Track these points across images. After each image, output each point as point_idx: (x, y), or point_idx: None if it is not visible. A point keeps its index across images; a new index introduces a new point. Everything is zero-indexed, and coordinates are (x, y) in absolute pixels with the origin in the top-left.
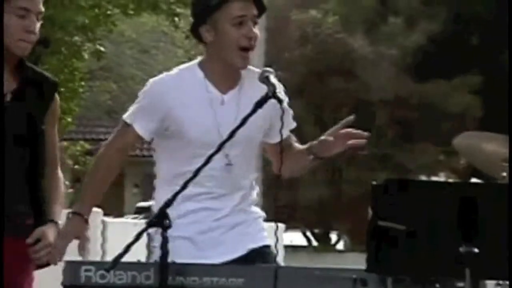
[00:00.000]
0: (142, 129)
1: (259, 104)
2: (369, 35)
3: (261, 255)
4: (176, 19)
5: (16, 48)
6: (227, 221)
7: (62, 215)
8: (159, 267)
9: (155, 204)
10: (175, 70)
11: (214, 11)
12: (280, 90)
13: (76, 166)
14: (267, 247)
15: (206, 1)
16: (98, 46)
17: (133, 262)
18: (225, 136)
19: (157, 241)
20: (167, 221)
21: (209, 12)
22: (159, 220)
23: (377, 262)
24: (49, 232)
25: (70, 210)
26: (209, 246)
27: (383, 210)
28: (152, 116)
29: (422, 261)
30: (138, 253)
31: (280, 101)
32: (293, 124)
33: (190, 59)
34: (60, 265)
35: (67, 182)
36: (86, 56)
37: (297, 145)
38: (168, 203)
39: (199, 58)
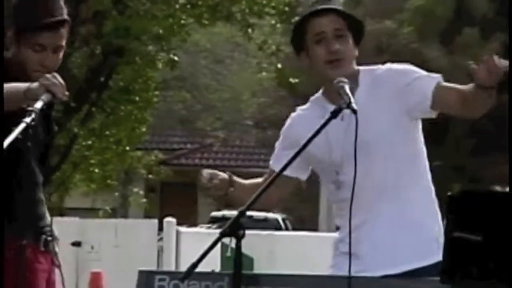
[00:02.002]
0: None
1: (334, 114)
2: (444, 46)
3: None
4: (250, 30)
5: (34, 77)
6: None
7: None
8: (233, 277)
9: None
10: (314, 96)
11: (303, 34)
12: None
13: (150, 176)
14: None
15: (294, 27)
16: (172, 56)
17: (207, 272)
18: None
19: None
20: (241, 231)
21: (299, 37)
22: (233, 229)
23: (452, 273)
24: None
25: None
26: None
27: (459, 221)
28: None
29: (498, 272)
30: (212, 263)
31: (354, 111)
32: (432, 78)
33: (262, 70)
34: (134, 274)
35: (141, 192)
36: (160, 65)
37: (460, 87)
38: (242, 213)
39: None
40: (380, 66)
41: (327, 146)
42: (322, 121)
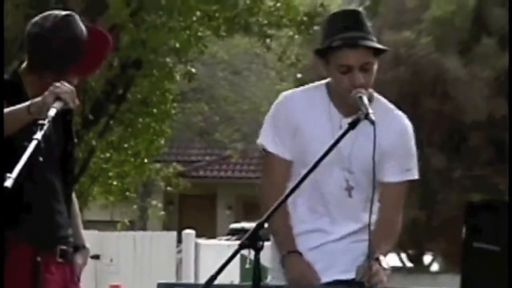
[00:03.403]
0: (286, 153)
1: (352, 125)
2: (462, 56)
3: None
4: (268, 40)
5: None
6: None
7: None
8: None
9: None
10: (304, 87)
11: (327, 53)
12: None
13: (168, 188)
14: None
15: (321, 41)
16: (189, 68)
17: (226, 284)
18: (344, 157)
19: None
20: (260, 243)
21: (322, 52)
22: (251, 241)
23: (471, 283)
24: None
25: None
26: None
27: (478, 231)
28: (287, 134)
29: None
30: (231, 275)
31: (372, 122)
32: (410, 172)
33: (282, 81)
34: (153, 286)
35: (159, 204)
36: (177, 77)
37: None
38: (260, 224)
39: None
40: (395, 110)
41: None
42: (322, 117)
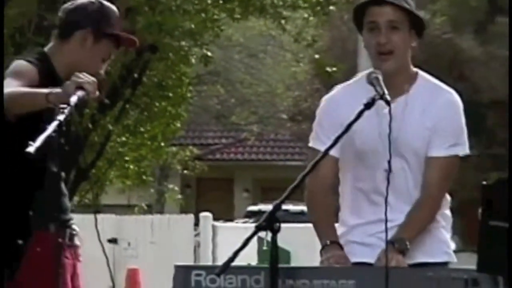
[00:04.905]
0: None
1: (367, 106)
2: (478, 35)
3: None
4: (283, 21)
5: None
6: None
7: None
8: (270, 271)
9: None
10: (345, 83)
11: (362, 16)
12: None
13: (185, 171)
14: None
15: (355, 8)
16: (205, 51)
17: (243, 266)
18: (393, 140)
19: None
20: (277, 225)
21: (359, 17)
22: (268, 223)
23: (488, 262)
24: None
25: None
26: None
27: (494, 209)
28: (333, 132)
29: None
30: (249, 257)
31: (388, 102)
32: (458, 147)
33: (298, 62)
34: (171, 270)
35: (176, 188)
36: (193, 61)
37: (430, 180)
38: (277, 206)
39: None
40: (442, 87)
41: (378, 133)
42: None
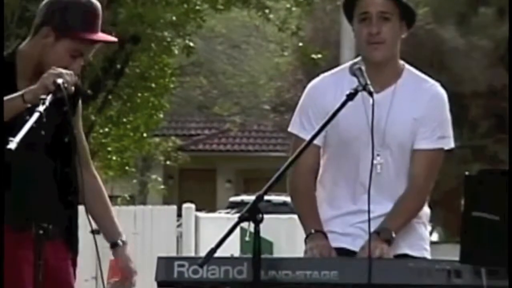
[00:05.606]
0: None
1: (349, 97)
2: (460, 27)
3: None
4: (267, 11)
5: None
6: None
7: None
8: (252, 262)
9: None
10: (331, 71)
11: (353, 7)
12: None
13: (168, 162)
14: None
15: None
16: (188, 42)
17: (226, 256)
18: (379, 132)
19: None
20: (259, 215)
21: (349, 7)
22: (251, 214)
23: (471, 253)
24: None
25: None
26: None
27: (477, 201)
28: (317, 120)
29: None
30: (232, 248)
31: (371, 93)
32: (444, 140)
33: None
34: (154, 261)
35: (159, 179)
36: (176, 52)
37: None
38: (260, 197)
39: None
40: (428, 80)
41: (365, 123)
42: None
